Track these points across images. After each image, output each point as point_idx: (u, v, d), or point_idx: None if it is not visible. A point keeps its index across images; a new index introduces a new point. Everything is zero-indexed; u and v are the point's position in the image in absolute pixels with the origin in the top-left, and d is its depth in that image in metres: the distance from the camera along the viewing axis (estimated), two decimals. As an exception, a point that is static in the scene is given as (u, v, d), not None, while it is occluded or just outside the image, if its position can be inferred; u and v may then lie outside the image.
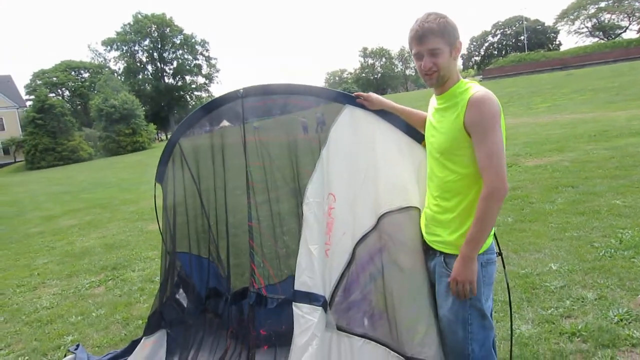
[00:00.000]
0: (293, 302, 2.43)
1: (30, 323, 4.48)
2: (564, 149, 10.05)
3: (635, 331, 2.92)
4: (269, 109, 2.73)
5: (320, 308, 2.37)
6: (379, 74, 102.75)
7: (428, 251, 2.13)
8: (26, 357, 3.72)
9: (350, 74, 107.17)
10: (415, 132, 2.36)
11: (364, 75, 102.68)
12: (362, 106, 2.40)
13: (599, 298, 3.42)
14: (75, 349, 3.31)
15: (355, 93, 2.42)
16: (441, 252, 2.02)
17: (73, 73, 65.96)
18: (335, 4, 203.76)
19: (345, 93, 2.48)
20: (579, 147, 10.04)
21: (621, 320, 3.07)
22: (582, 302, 3.40)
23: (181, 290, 3.24)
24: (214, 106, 2.85)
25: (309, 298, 2.40)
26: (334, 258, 2.41)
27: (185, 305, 3.21)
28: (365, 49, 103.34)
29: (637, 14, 70.50)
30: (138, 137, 48.72)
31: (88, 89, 63.16)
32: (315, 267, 2.42)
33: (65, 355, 3.37)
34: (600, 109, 17.27)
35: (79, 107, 64.02)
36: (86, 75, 67.43)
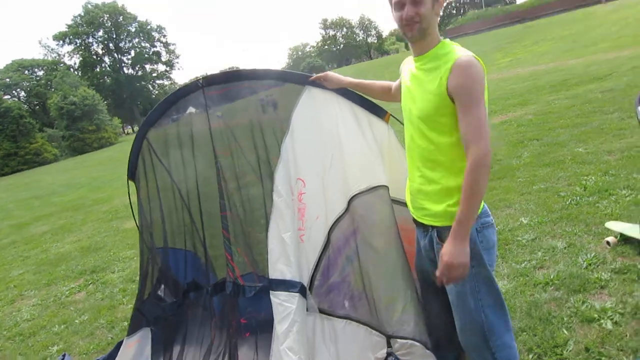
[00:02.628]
0: (270, 291, 2.45)
1: (12, 338, 4.41)
2: (527, 102, 10.22)
3: (603, 273, 3.06)
4: (231, 97, 2.71)
5: (298, 294, 2.40)
6: (342, 45, 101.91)
7: (419, 228, 2.02)
8: (12, 373, 3.69)
9: (313, 47, 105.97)
10: (376, 108, 2.37)
11: (326, 47, 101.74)
12: (322, 86, 2.38)
13: (568, 246, 3.55)
14: (62, 359, 3.28)
15: (312, 77, 2.39)
16: (433, 227, 1.90)
17: (27, 72, 63.43)
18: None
19: (304, 74, 2.47)
20: (541, 99, 10.22)
21: (590, 264, 3.21)
22: (553, 251, 3.52)
23: (162, 286, 3.23)
24: (176, 99, 2.82)
25: (285, 285, 2.42)
26: (309, 243, 2.43)
27: (167, 300, 3.20)
28: (325, 20, 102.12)
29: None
30: (103, 132, 47.58)
31: (44, 87, 60.94)
32: (289, 254, 2.43)
33: (52, 366, 3.34)
34: (560, 58, 17.55)
35: (37, 107, 61.84)
36: (41, 73, 64.94)
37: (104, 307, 4.63)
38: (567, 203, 4.33)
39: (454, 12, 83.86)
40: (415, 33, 1.77)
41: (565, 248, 3.53)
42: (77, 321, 4.43)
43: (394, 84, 2.30)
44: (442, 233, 1.86)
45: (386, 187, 2.28)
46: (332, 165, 2.37)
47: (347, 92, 2.39)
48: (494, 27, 51.20)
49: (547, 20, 37.54)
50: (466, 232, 1.71)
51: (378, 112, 2.36)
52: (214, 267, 3.08)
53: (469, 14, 65.63)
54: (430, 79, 1.76)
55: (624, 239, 3.38)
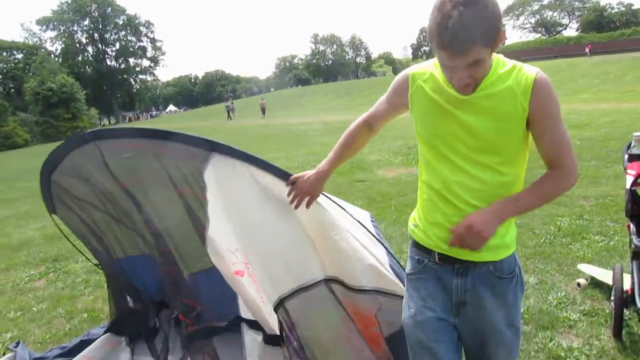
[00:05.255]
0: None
1: (-36, 321, 4.20)
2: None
3: (572, 313, 3.12)
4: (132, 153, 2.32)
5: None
6: (330, 61, 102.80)
7: (450, 267, 1.64)
8: (-39, 359, 3.49)
9: (301, 59, 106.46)
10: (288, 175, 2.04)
11: (314, 61, 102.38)
12: (230, 152, 2.06)
13: (540, 282, 3.61)
14: (16, 347, 3.13)
15: (292, 178, 2.00)
16: (485, 262, 1.61)
17: (5, 54, 61.63)
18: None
19: (209, 140, 2.10)
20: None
21: (560, 303, 3.27)
22: (525, 286, 3.56)
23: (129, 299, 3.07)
24: (63, 154, 2.42)
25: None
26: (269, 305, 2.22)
27: (137, 308, 3.05)
28: (316, 35, 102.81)
29: (576, 13, 74.99)
30: (79, 122, 46.56)
31: (22, 70, 59.25)
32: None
33: (4, 354, 3.19)
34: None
35: (12, 90, 60.00)
36: (19, 56, 63.18)
37: (64, 296, 4.47)
38: (541, 241, 4.41)
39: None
40: (470, 92, 1.48)
41: (536, 284, 3.59)
42: (34, 309, 4.25)
43: (373, 116, 1.90)
44: (498, 264, 1.63)
45: (323, 281, 2.06)
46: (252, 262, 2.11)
47: (258, 161, 2.05)
48: (481, 64, 52.77)
49: (536, 64, 38.82)
50: (508, 215, 1.56)
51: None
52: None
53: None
54: (500, 103, 1.47)
55: (595, 283, 3.46)
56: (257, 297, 2.12)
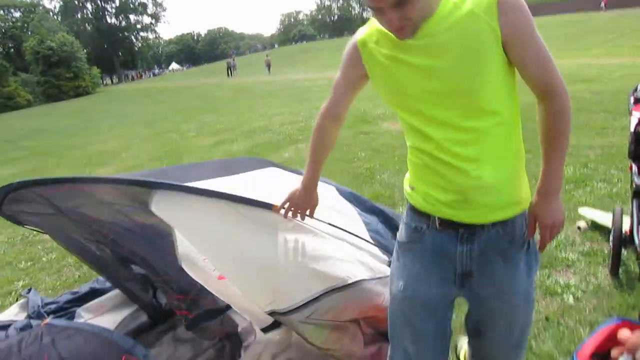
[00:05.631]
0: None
1: (-24, 271, 4.32)
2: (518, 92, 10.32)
3: (571, 254, 3.18)
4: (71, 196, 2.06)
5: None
6: (336, 16, 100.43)
7: (453, 232, 1.48)
8: (-24, 305, 3.61)
9: (306, 15, 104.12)
10: (260, 203, 1.92)
11: (320, 17, 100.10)
12: (175, 187, 1.85)
13: (541, 225, 3.64)
14: (28, 293, 3.23)
15: (275, 208, 1.87)
16: (493, 223, 1.44)
17: (2, 12, 60.44)
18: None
19: (148, 180, 1.85)
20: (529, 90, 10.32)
21: (559, 244, 3.32)
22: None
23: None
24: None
25: None
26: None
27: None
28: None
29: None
30: (81, 81, 46.07)
31: (21, 30, 58.29)
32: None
33: (17, 300, 3.30)
34: (555, 56, 17.71)
35: (12, 50, 59.20)
36: (17, 14, 61.99)
37: (73, 248, 4.56)
38: (544, 188, 4.42)
39: None
40: (408, 35, 1.32)
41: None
42: (44, 259, 4.38)
43: (333, 104, 1.68)
44: (507, 228, 1.46)
45: (301, 307, 1.94)
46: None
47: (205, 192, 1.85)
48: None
49: (545, 19, 37.84)
50: (560, 187, 1.48)
51: (263, 206, 1.91)
52: None
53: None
54: (463, 31, 1.28)
55: (595, 226, 3.49)
56: None
